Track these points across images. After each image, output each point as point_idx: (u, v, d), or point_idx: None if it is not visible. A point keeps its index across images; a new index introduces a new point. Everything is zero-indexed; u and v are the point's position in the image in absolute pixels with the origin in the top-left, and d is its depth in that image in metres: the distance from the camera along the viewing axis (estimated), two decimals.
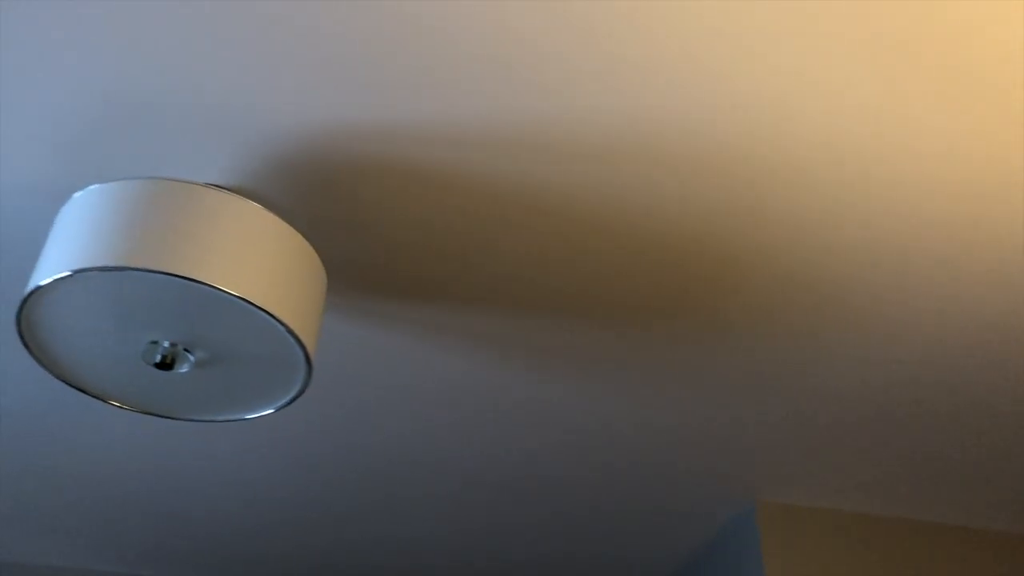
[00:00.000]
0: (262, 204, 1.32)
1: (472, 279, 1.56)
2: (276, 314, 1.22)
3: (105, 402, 1.38)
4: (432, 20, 1.14)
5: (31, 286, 1.19)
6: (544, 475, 2.18)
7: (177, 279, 1.17)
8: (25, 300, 1.20)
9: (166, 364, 1.27)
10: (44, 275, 1.18)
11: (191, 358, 1.29)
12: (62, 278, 1.16)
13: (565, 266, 1.53)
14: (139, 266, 1.15)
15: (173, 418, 1.44)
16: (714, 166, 1.34)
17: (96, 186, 1.25)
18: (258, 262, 1.24)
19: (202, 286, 1.18)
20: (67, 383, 1.34)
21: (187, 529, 2.48)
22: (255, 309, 1.21)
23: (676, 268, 1.53)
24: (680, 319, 1.65)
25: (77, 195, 1.26)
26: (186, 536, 2.52)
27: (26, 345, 1.27)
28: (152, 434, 2.05)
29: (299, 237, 1.31)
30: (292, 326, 1.24)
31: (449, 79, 1.22)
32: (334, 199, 1.41)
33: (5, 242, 1.49)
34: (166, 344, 1.27)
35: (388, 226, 1.46)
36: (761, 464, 2.12)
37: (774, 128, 1.28)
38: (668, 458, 2.10)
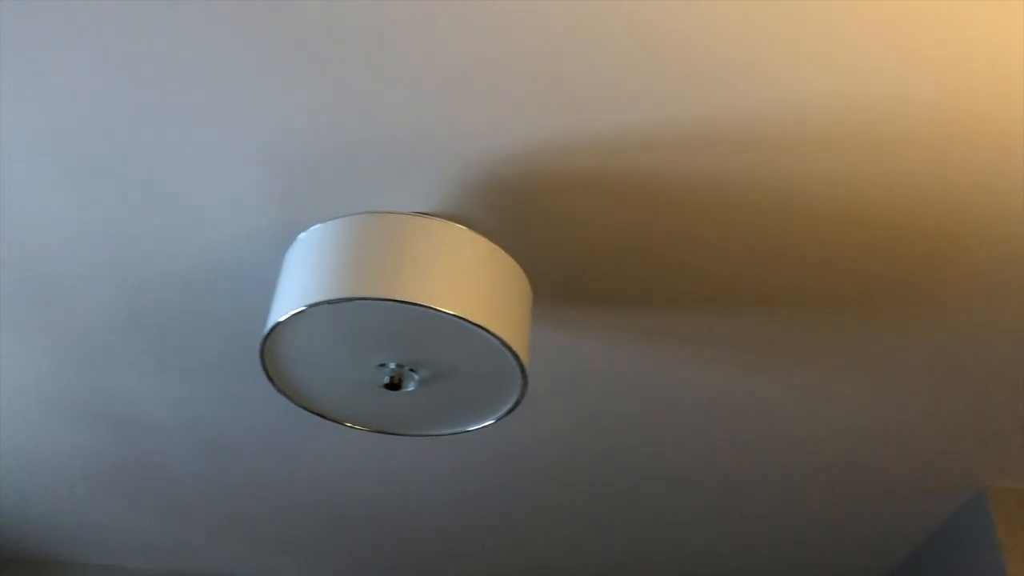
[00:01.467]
0: (466, 226, 1.38)
1: (676, 279, 1.57)
2: (491, 329, 1.28)
3: (341, 424, 1.49)
4: (616, 29, 1.17)
5: (271, 323, 1.30)
6: (766, 470, 2.15)
7: (399, 304, 1.24)
8: (267, 336, 1.31)
9: (394, 385, 1.36)
10: (281, 312, 1.29)
11: (416, 377, 1.37)
12: (298, 313, 1.27)
13: (774, 259, 1.52)
14: (364, 295, 1.24)
15: (402, 435, 1.53)
16: (937, 149, 1.30)
17: (317, 226, 1.35)
18: (469, 281, 1.30)
19: (422, 308, 1.25)
20: (306, 409, 1.45)
21: (404, 542, 2.61)
22: (471, 326, 1.27)
23: (899, 255, 1.49)
24: (905, 306, 1.60)
25: (302, 236, 1.36)
26: (403, 549, 2.65)
27: (270, 378, 1.38)
28: (369, 452, 2.18)
29: (503, 253, 1.37)
30: (506, 339, 1.30)
31: (636, 85, 1.24)
32: (532, 214, 1.46)
33: (239, 285, 1.64)
34: (392, 366, 1.36)
35: (586, 235, 1.49)
36: (991, 449, 2.01)
37: (1008, 110, 1.23)
38: (895, 446, 2.03)
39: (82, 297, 1.69)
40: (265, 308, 1.69)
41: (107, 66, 1.26)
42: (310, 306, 1.26)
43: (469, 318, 1.26)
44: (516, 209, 1.45)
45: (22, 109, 1.33)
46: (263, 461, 2.24)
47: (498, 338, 1.29)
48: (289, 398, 1.42)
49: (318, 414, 1.46)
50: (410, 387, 1.38)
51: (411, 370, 1.36)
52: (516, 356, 1.32)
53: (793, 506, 2.32)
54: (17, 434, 2.17)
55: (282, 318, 1.28)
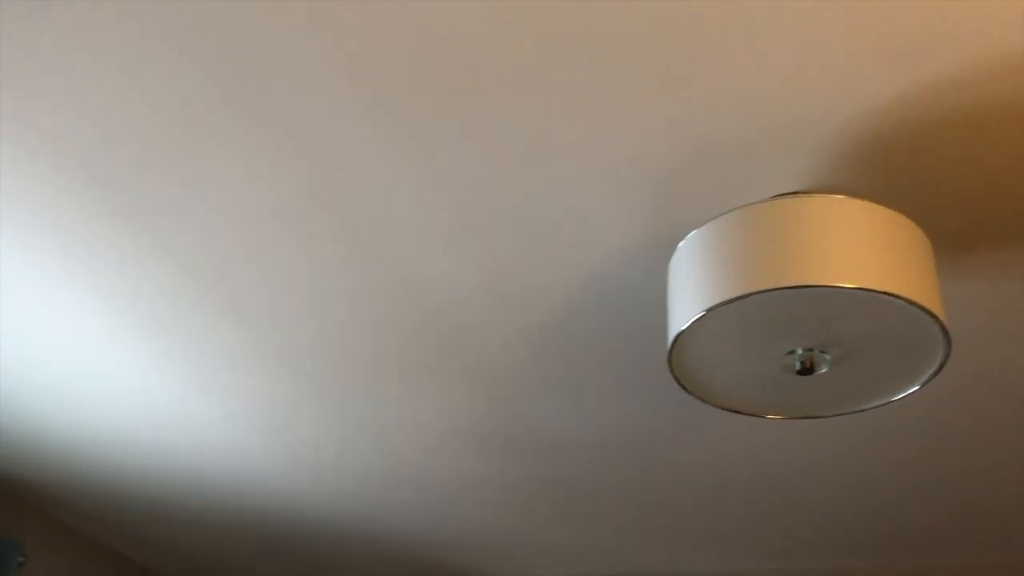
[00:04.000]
0: (844, 194, 1.33)
1: None
2: (899, 293, 1.22)
3: (759, 417, 1.49)
4: None
5: (673, 333, 1.34)
6: None
7: (797, 289, 1.23)
8: (672, 346, 1.35)
9: (807, 369, 1.34)
10: (681, 321, 1.32)
11: (828, 357, 1.34)
12: (698, 319, 1.29)
13: None
14: (759, 289, 1.24)
15: (820, 417, 1.50)
16: None
17: (695, 232, 1.37)
18: (863, 248, 1.25)
19: (820, 288, 1.23)
20: (722, 408, 1.47)
21: (816, 523, 2.54)
22: (877, 295, 1.22)
23: None
24: None
25: (682, 244, 1.39)
26: (806, 525, 2.58)
27: (682, 385, 1.42)
28: (774, 436, 2.15)
29: (891, 212, 1.30)
30: (918, 300, 1.23)
31: (992, 9, 1.13)
32: (911, 165, 1.37)
33: (625, 301, 1.71)
34: (801, 351, 1.34)
35: (973, 174, 1.38)
36: None
37: None
38: None
39: (488, 339, 1.86)
40: (652, 318, 1.75)
41: (482, 129, 1.38)
42: (708, 310, 1.28)
43: (873, 287, 1.22)
44: (894, 165, 1.38)
45: (414, 180, 1.49)
46: (672, 460, 2.30)
47: (909, 301, 1.23)
48: (704, 400, 1.46)
49: (734, 411, 1.48)
50: (823, 369, 1.36)
51: (822, 351, 1.34)
52: (933, 315, 1.25)
53: None
54: (448, 468, 2.42)
55: (684, 326, 1.31)
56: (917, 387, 1.39)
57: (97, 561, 3.14)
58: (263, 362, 1.99)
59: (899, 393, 1.41)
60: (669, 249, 1.56)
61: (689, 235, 1.38)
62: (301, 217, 1.57)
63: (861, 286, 1.21)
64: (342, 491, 2.58)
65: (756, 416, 1.49)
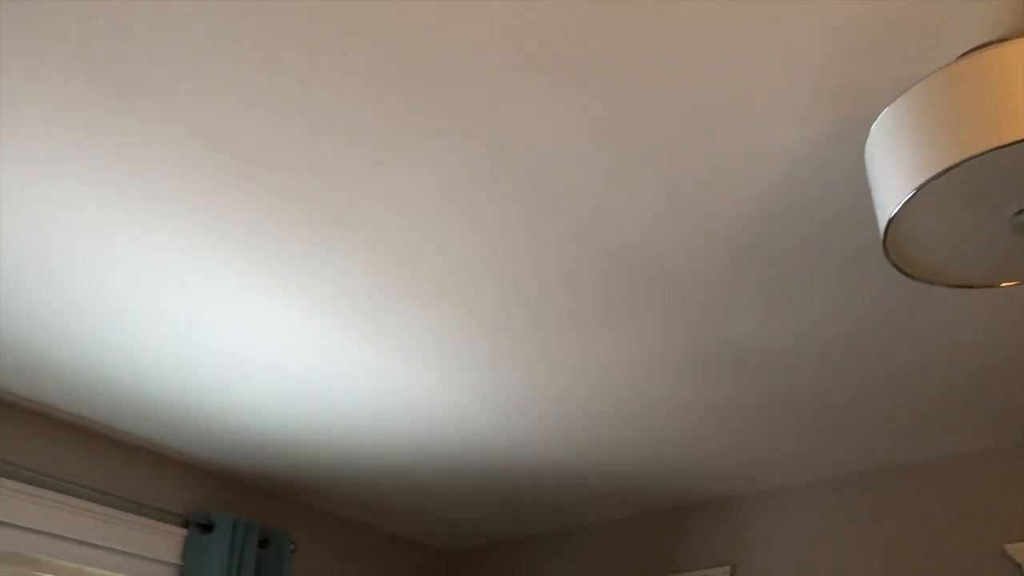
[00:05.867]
0: None
1: None
2: None
3: (993, 287, 1.41)
4: None
5: (885, 219, 1.28)
6: None
7: (1010, 147, 1.15)
8: (885, 233, 1.29)
9: None
10: (892, 205, 1.26)
11: None
12: (909, 200, 1.23)
13: None
14: (969, 154, 1.17)
15: None
16: None
17: (887, 109, 1.30)
18: None
19: None
20: (950, 286, 1.40)
21: None
22: None
23: None
24: None
25: (875, 126, 1.33)
26: None
27: (902, 271, 1.36)
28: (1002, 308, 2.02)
29: None
30: None
31: None
32: None
33: (821, 196, 1.64)
34: None
35: None
36: None
37: None
38: None
39: (683, 265, 1.85)
40: (853, 208, 1.68)
41: (645, 48, 1.36)
42: (919, 188, 1.22)
43: None
44: None
45: (583, 119, 1.50)
46: (893, 353, 2.21)
47: None
48: (930, 282, 1.39)
49: (964, 286, 1.40)
50: None
51: None
52: None
53: None
54: (661, 398, 2.43)
55: (895, 210, 1.26)
56: None
57: (359, 540, 3.38)
58: (475, 329, 2.06)
59: None
60: (861, 133, 1.48)
61: (882, 113, 1.31)
62: (486, 182, 1.60)
63: None
64: (565, 437, 2.65)
65: (990, 287, 1.41)
